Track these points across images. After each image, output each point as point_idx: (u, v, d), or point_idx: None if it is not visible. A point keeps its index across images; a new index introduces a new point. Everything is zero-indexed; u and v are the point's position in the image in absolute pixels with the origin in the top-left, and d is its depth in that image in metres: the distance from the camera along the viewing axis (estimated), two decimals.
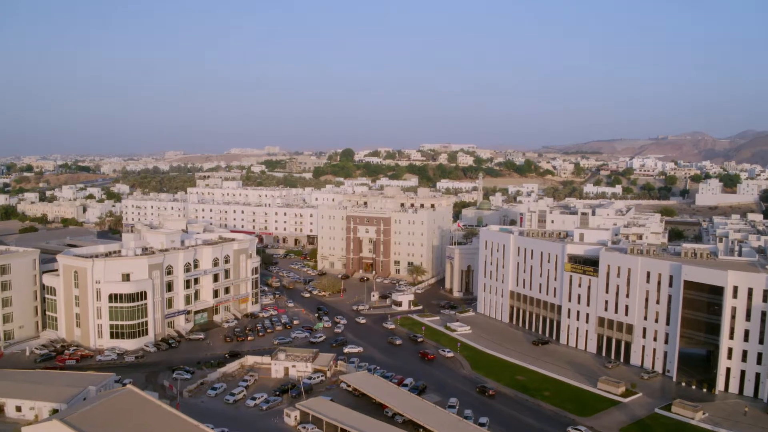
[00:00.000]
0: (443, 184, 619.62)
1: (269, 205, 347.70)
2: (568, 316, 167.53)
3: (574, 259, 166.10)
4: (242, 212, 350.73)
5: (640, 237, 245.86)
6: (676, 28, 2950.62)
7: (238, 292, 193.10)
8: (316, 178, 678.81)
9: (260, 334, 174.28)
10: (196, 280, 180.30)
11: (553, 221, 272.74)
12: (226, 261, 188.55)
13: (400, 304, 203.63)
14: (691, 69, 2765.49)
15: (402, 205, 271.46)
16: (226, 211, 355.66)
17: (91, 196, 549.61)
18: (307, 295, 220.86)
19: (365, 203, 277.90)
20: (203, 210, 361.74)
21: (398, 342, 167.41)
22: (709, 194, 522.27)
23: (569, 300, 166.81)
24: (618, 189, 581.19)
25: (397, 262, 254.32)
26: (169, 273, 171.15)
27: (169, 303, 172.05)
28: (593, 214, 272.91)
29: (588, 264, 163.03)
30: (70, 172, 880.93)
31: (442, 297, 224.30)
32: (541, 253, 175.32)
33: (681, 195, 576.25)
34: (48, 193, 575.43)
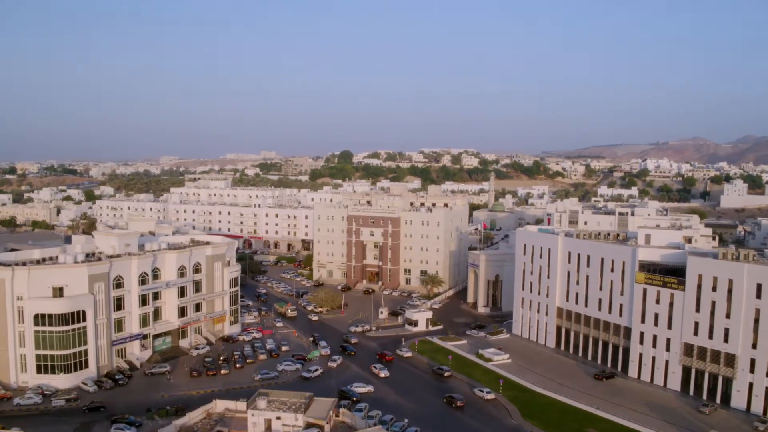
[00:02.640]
0: (448, 186, 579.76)
1: (259, 205, 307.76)
2: (641, 342, 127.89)
3: (649, 268, 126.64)
4: (228, 214, 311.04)
5: (689, 241, 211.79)
6: (674, 34, 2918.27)
7: (212, 310, 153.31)
8: (313, 180, 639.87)
9: (237, 365, 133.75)
10: (157, 295, 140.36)
11: (586, 222, 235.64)
12: (197, 270, 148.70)
13: (415, 323, 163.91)
14: (689, 75, 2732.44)
15: (411, 204, 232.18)
16: (210, 213, 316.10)
17: (68, 198, 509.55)
18: (315, 318, 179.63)
19: (368, 202, 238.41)
20: (185, 211, 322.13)
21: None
22: (734, 196, 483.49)
23: (642, 321, 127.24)
24: (634, 191, 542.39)
25: (407, 271, 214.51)
26: (119, 286, 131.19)
27: (119, 325, 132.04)
28: (632, 214, 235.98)
29: (669, 273, 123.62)
30: (56, 174, 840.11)
31: (465, 313, 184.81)
32: (602, 259, 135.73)
33: (701, 197, 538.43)
34: (26, 195, 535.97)
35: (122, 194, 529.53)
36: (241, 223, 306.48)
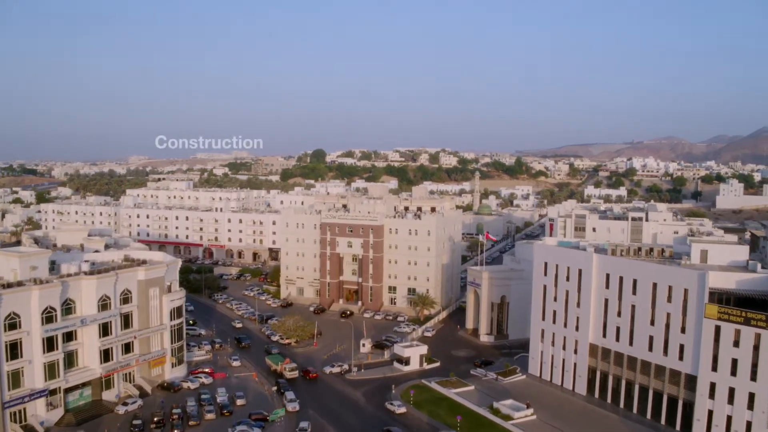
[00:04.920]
0: (426, 186, 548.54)
1: (221, 210, 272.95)
2: (711, 396, 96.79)
3: (722, 297, 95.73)
4: (186, 219, 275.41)
5: None
6: (647, 35, 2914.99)
7: (147, 350, 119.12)
8: (284, 180, 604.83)
9: (175, 431, 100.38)
10: (70, 336, 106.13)
11: (594, 229, 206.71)
12: (126, 300, 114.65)
13: (407, 361, 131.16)
14: (660, 75, 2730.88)
15: (395, 208, 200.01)
16: (166, 218, 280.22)
17: (18, 201, 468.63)
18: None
19: (344, 206, 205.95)
20: (138, 216, 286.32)
21: None
22: (731, 196, 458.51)
23: (713, 368, 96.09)
24: (622, 191, 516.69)
25: (392, 289, 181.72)
26: (14, 326, 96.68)
27: (15, 380, 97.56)
28: (646, 219, 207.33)
29: (749, 305, 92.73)
30: (14, 174, 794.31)
31: (464, 343, 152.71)
32: (654, 285, 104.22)
33: (693, 197, 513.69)
34: None
35: (79, 196, 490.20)
36: (201, 229, 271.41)
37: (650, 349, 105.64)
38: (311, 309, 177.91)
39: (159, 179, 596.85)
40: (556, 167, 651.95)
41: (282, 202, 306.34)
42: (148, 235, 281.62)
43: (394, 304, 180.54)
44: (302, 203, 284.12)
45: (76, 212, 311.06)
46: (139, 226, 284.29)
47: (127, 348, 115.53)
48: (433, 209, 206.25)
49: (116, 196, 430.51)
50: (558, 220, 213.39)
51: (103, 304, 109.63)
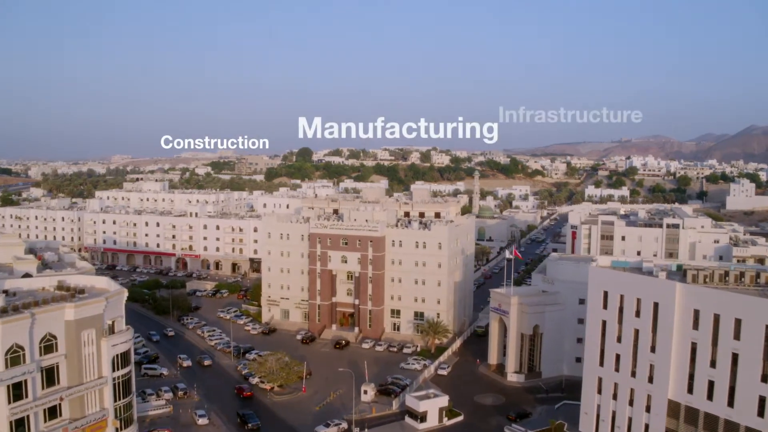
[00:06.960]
0: (418, 186, 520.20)
1: (196, 214, 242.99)
2: None
3: None
4: (157, 225, 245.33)
5: (762, 261, 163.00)
6: (634, 34, 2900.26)
7: (80, 414, 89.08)
8: (269, 180, 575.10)
9: None
10: None
11: (624, 237, 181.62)
12: (49, 348, 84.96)
13: (423, 417, 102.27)
14: (648, 74, 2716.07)
15: (397, 214, 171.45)
16: (135, 224, 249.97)
17: None
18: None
19: (335, 211, 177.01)
20: (104, 222, 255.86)
21: None
22: (742, 197, 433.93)
23: None
24: (624, 191, 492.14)
25: (395, 313, 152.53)
26: None
27: None
28: (683, 226, 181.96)
29: None
30: None
31: (488, 383, 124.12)
32: None
33: (698, 198, 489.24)
34: None
35: (50, 197, 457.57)
36: (174, 236, 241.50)
37: (761, 414, 77.65)
38: (298, 337, 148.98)
39: (137, 179, 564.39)
40: (553, 166, 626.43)
41: (265, 205, 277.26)
42: (114, 243, 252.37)
43: (398, 330, 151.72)
44: (287, 207, 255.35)
45: (36, 217, 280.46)
46: (104, 233, 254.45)
47: (52, 413, 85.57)
48: (437, 215, 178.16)
49: (89, 198, 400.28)
50: (582, 228, 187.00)
51: (14, 357, 79.81)
